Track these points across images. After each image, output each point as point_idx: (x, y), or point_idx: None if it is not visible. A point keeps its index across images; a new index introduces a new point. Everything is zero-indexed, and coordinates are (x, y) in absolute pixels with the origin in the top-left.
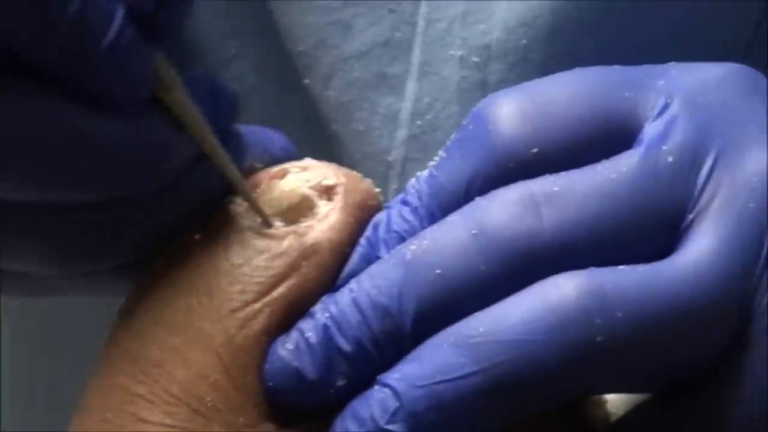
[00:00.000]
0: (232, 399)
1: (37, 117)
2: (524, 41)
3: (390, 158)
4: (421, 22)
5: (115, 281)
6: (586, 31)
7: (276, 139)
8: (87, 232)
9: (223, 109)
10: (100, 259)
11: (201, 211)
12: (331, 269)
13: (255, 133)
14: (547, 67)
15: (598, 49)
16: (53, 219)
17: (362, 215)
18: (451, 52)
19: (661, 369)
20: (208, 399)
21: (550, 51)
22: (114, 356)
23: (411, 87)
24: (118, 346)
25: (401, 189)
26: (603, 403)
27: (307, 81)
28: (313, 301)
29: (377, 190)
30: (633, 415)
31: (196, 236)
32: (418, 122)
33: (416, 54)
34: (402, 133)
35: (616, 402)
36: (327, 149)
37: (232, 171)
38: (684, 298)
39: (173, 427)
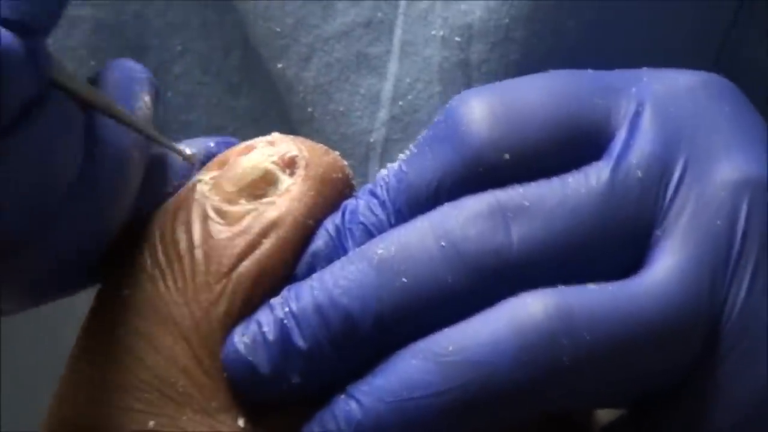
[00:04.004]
0: (202, 384)
1: None
2: (506, 20)
3: (371, 139)
4: (402, 2)
5: None
6: (567, 9)
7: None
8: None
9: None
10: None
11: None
12: (294, 245)
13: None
14: (529, 47)
15: (579, 28)
16: None
17: (325, 188)
18: (433, 32)
19: (628, 387)
20: (179, 384)
21: (531, 30)
22: (87, 343)
23: (392, 67)
24: (91, 333)
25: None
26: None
27: (280, 65)
28: (277, 277)
29: (344, 162)
30: (612, 427)
31: (160, 216)
32: (400, 103)
33: (398, 34)
34: (383, 114)
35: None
36: None
37: (146, 127)
38: (651, 318)
39: (145, 412)
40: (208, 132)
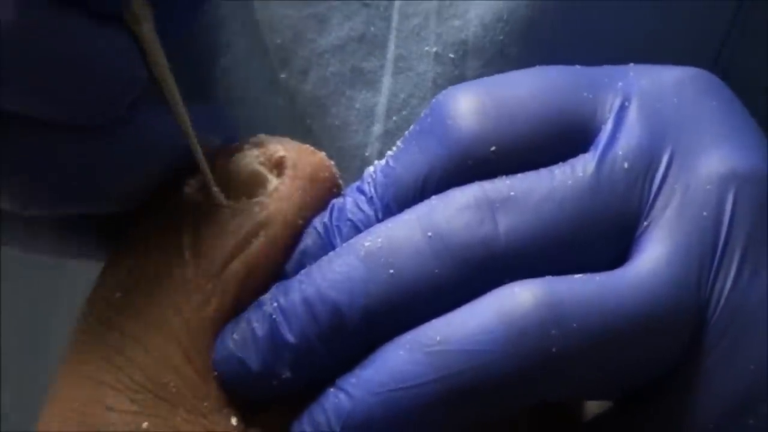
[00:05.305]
0: (194, 384)
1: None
2: (501, 37)
3: (366, 153)
4: (395, 17)
5: (81, 240)
6: (562, 26)
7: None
8: (53, 166)
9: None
10: (64, 200)
11: (153, 167)
12: (283, 244)
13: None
14: (524, 63)
15: (574, 44)
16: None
17: (313, 188)
18: (426, 48)
19: (617, 378)
20: (172, 385)
21: (527, 47)
22: (81, 345)
23: (387, 82)
24: (85, 335)
25: None
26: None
27: (283, 75)
28: (266, 277)
29: (331, 162)
30: (600, 418)
31: (151, 219)
32: (394, 118)
33: (391, 49)
34: (378, 129)
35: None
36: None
37: (183, 114)
38: (639, 308)
39: (139, 413)
40: None
